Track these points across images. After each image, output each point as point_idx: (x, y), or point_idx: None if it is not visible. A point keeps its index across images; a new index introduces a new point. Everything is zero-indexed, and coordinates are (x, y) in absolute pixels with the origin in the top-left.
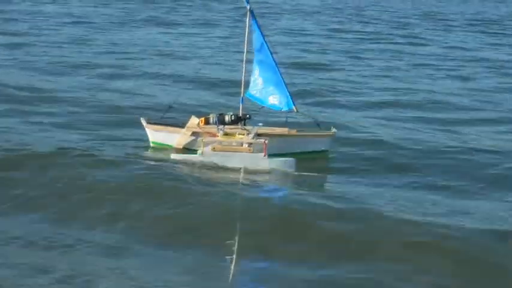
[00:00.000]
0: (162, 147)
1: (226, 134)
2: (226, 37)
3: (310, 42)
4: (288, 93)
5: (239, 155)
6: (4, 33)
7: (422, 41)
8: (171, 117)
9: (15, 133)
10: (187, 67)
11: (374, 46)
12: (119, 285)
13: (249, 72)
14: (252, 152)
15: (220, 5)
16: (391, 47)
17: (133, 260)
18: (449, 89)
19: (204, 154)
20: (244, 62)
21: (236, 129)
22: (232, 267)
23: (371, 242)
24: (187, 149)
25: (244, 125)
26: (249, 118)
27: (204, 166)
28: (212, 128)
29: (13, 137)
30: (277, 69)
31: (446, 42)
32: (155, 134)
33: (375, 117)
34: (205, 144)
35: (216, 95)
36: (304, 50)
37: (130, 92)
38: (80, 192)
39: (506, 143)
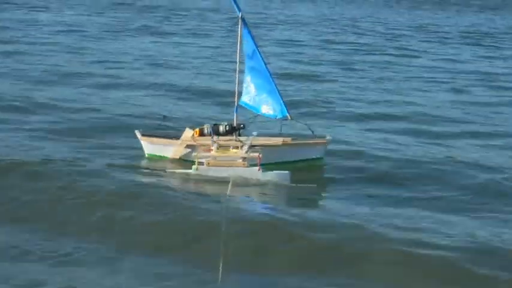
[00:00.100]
0: (158, 159)
1: (220, 146)
2: (219, 47)
3: (304, 53)
4: (281, 101)
5: (233, 169)
6: None
7: (415, 53)
8: (166, 127)
9: (4, 141)
10: (181, 76)
11: (367, 58)
12: None
13: (242, 82)
14: (246, 166)
15: (214, 14)
16: (384, 58)
17: (124, 271)
18: (441, 102)
19: (199, 169)
20: (237, 72)
21: (230, 140)
22: (219, 279)
23: (359, 254)
24: (184, 160)
25: (239, 135)
26: (243, 128)
27: (195, 179)
28: (206, 140)
29: (1, 146)
30: (270, 77)
31: (439, 55)
32: (150, 147)
33: (365, 129)
34: (199, 160)
35: (210, 104)
36: (297, 61)
37: (122, 101)
38: (70, 202)
39: (497, 157)
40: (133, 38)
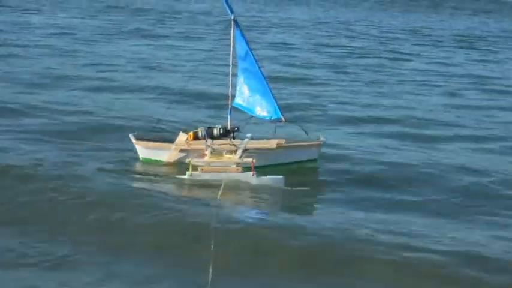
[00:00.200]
0: (152, 163)
1: (214, 150)
2: (212, 50)
3: (297, 56)
4: (275, 102)
5: (228, 175)
6: None
7: (408, 57)
8: (160, 130)
9: None
10: (174, 79)
11: (360, 61)
12: None
13: (235, 84)
14: (241, 171)
15: (207, 17)
16: (377, 61)
17: (117, 275)
18: (433, 105)
19: (193, 176)
20: (230, 74)
21: (225, 144)
22: (209, 283)
23: (349, 258)
24: (179, 164)
25: (233, 138)
26: (238, 130)
27: (189, 183)
28: (200, 145)
29: None
30: (263, 78)
31: (432, 58)
32: (145, 151)
33: (357, 133)
34: (194, 167)
35: (204, 107)
36: (290, 64)
37: (116, 104)
38: (63, 206)
39: (488, 161)
40: (126, 41)
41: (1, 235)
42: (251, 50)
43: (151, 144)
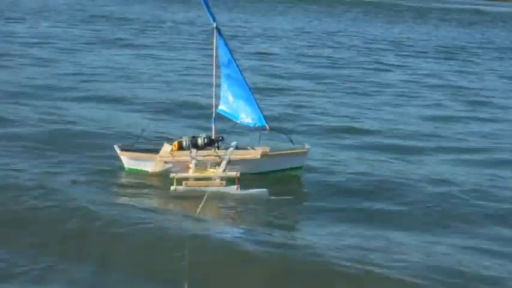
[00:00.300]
0: (137, 173)
1: (198, 162)
2: (195, 59)
3: (278, 67)
4: (259, 110)
5: (212, 189)
6: None
7: (391, 68)
8: (143, 141)
9: None
10: (157, 89)
11: (342, 71)
12: None
13: (219, 92)
14: (225, 185)
15: (190, 27)
16: (358, 72)
17: None
18: (414, 116)
19: (177, 190)
20: (213, 83)
21: (209, 155)
22: None
23: (324, 273)
24: (163, 175)
25: (218, 148)
26: (222, 140)
27: (171, 195)
28: (184, 156)
29: None
30: (246, 85)
31: (414, 69)
32: (130, 161)
33: (337, 144)
34: (178, 181)
35: (187, 117)
36: (270, 75)
37: (98, 114)
38: (40, 217)
39: (467, 174)
40: (108, 51)
41: None
42: (234, 58)
43: (136, 154)
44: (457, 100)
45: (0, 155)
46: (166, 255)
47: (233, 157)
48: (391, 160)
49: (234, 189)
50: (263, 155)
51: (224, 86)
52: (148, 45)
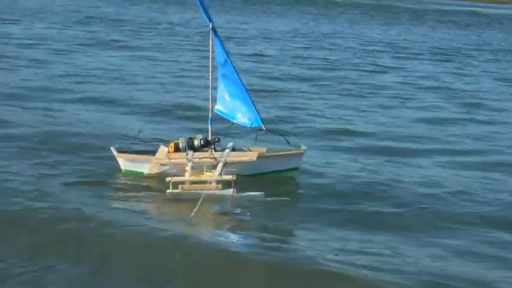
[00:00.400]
0: (133, 175)
1: (194, 164)
2: (190, 61)
3: (275, 68)
4: (255, 110)
5: (207, 193)
6: None
7: (386, 69)
8: (139, 142)
9: None
10: (152, 91)
11: (338, 73)
12: None
13: (215, 92)
14: (220, 189)
15: (185, 29)
16: (355, 74)
17: None
18: (411, 119)
19: (173, 194)
20: (210, 84)
21: (205, 158)
22: None
23: (317, 277)
24: (160, 177)
25: (214, 149)
26: (218, 141)
27: (166, 198)
28: (180, 158)
29: None
30: (242, 86)
31: (410, 71)
32: (126, 163)
33: (331, 146)
34: (174, 185)
35: (183, 118)
36: (267, 76)
37: (93, 116)
38: (33, 221)
39: (462, 178)
40: (103, 52)
41: None
42: (230, 58)
43: (132, 156)
44: (452, 102)
45: None
46: (160, 258)
47: (229, 159)
48: (386, 162)
49: (230, 192)
50: (259, 156)
51: (221, 86)
52: (144, 47)
